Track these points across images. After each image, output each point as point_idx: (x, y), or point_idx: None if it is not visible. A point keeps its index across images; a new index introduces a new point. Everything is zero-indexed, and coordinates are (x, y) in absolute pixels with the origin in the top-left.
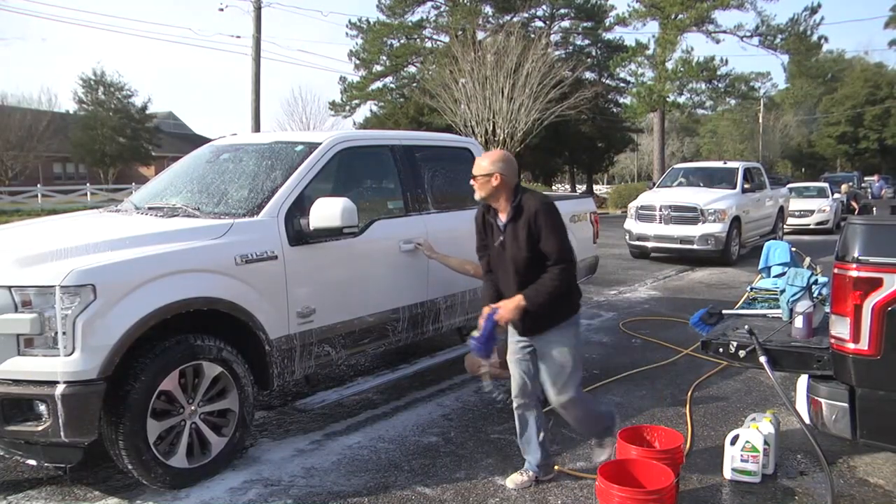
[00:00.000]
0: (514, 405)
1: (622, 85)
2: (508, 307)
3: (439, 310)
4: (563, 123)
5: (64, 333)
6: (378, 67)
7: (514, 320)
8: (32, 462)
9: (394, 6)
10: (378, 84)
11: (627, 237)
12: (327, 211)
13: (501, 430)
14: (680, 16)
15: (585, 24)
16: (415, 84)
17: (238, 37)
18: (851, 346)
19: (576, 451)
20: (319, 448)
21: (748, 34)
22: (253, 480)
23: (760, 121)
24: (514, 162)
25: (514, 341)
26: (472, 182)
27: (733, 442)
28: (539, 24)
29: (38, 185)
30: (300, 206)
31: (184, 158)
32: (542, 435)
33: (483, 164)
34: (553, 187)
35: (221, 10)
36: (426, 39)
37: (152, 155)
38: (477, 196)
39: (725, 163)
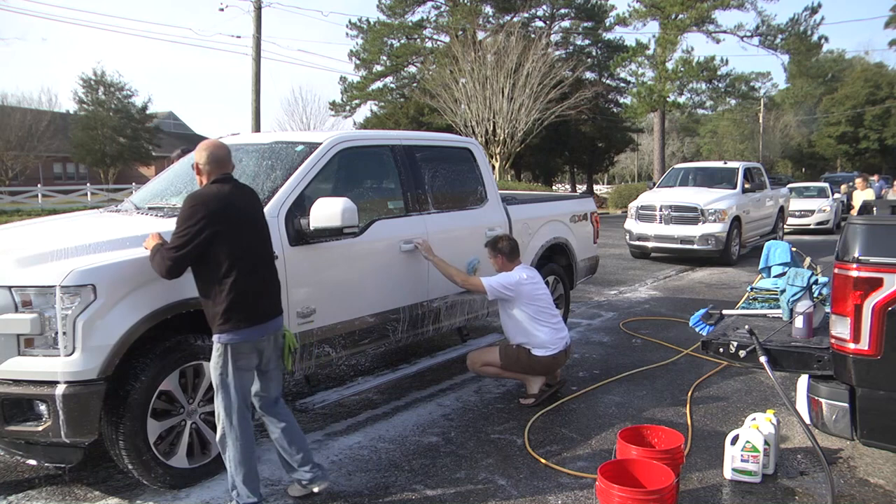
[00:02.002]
0: None
1: (622, 85)
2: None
3: (439, 310)
4: (563, 123)
5: (64, 333)
6: (378, 67)
7: None
8: (32, 462)
9: (394, 6)
10: (378, 84)
11: (628, 237)
12: (327, 211)
13: (502, 430)
14: (680, 16)
15: (586, 24)
16: (415, 84)
17: (238, 37)
18: (852, 346)
19: (576, 450)
20: (320, 448)
21: (748, 34)
22: None
23: (761, 121)
24: (216, 153)
25: None
26: None
27: (734, 442)
28: (539, 24)
29: (39, 185)
30: (300, 206)
31: (184, 158)
32: (286, 447)
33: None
34: (553, 187)
35: (221, 9)
36: (426, 39)
37: (152, 155)
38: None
39: (726, 163)
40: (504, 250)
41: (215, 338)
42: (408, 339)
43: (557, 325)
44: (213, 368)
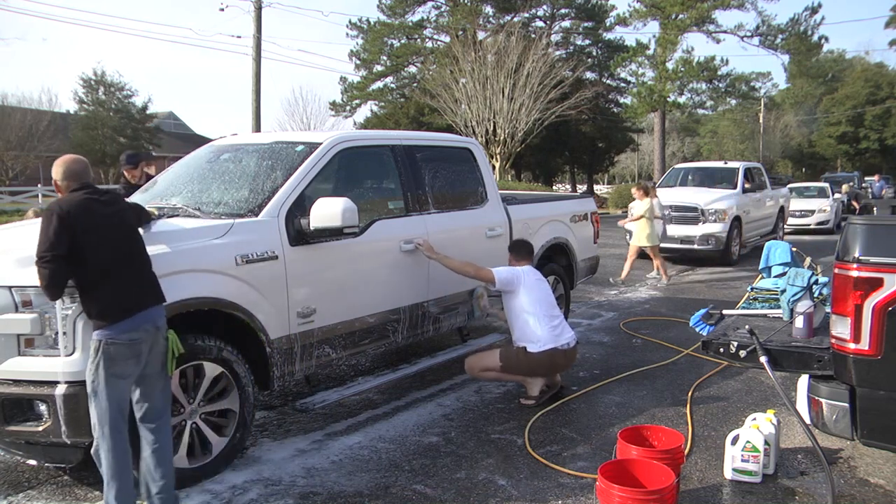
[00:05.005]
0: None
1: (623, 85)
2: None
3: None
4: (563, 123)
5: (64, 333)
6: (378, 67)
7: None
8: (32, 462)
9: (394, 6)
10: (378, 84)
11: (628, 237)
12: (328, 211)
13: (502, 430)
14: (680, 16)
15: (586, 24)
16: (415, 84)
17: (238, 37)
18: (852, 346)
19: (576, 450)
20: (320, 448)
21: (749, 34)
22: (254, 480)
23: (761, 121)
24: (71, 167)
25: None
26: None
27: (734, 442)
28: (539, 24)
29: (39, 186)
30: (301, 206)
31: (184, 158)
32: (151, 470)
33: None
34: (554, 187)
35: (222, 9)
36: (427, 39)
37: (153, 155)
38: None
39: (726, 163)
40: (513, 249)
41: (93, 336)
42: (408, 339)
43: (557, 325)
44: (86, 375)
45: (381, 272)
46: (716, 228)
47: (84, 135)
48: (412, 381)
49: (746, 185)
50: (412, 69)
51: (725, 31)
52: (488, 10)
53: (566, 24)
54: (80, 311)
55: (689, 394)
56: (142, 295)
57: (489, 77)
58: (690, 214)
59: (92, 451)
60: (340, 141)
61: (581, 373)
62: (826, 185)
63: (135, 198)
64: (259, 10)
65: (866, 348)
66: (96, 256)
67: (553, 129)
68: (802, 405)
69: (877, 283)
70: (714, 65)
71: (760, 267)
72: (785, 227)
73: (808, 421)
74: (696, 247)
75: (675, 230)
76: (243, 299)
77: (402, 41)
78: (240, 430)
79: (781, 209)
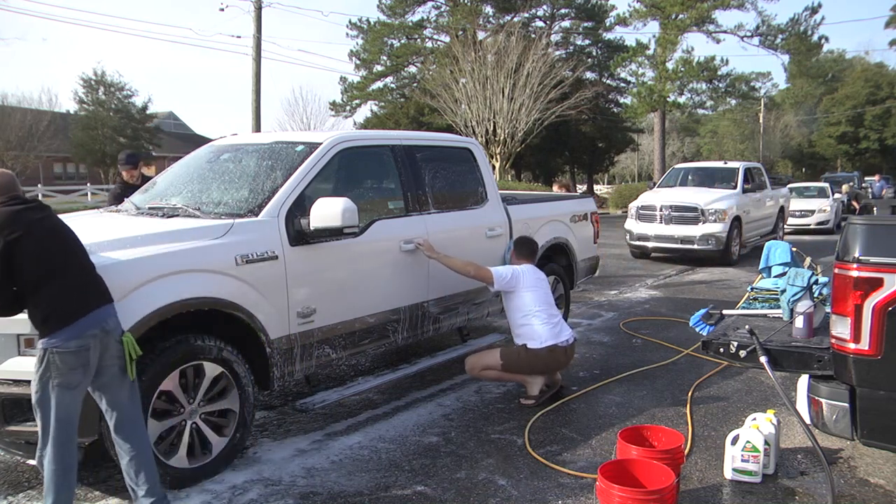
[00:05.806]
0: None
1: (623, 85)
2: None
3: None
4: (563, 123)
5: None
6: (378, 67)
7: None
8: (32, 462)
9: (394, 6)
10: (378, 84)
11: (628, 237)
12: (328, 211)
13: (502, 430)
14: (680, 16)
15: (586, 24)
16: (415, 84)
17: (238, 37)
18: (852, 346)
19: (576, 450)
20: (320, 448)
21: (749, 34)
22: (254, 480)
23: (761, 121)
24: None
25: None
26: None
27: (734, 442)
28: (539, 24)
29: (39, 185)
30: (301, 206)
31: (184, 158)
32: (133, 476)
33: None
34: (554, 187)
35: (222, 9)
36: (427, 39)
37: (153, 155)
38: None
39: (726, 163)
40: (516, 245)
41: (38, 345)
42: (408, 339)
43: (556, 323)
44: (32, 385)
45: (381, 272)
46: (716, 228)
47: (84, 135)
48: (412, 381)
49: (746, 185)
50: (412, 69)
51: (725, 31)
52: (488, 10)
53: (566, 24)
54: None
55: (689, 394)
56: (84, 298)
57: (489, 77)
58: (690, 214)
59: (36, 458)
60: (340, 141)
61: (581, 373)
62: (826, 185)
63: (134, 198)
64: (259, 10)
65: (866, 348)
66: (29, 264)
67: (553, 129)
68: (802, 405)
69: (877, 283)
70: (714, 65)
71: (760, 267)
72: (785, 227)
73: (808, 421)
74: (696, 247)
75: (675, 230)
76: (243, 299)
77: (402, 41)
78: (240, 430)
79: (781, 209)
